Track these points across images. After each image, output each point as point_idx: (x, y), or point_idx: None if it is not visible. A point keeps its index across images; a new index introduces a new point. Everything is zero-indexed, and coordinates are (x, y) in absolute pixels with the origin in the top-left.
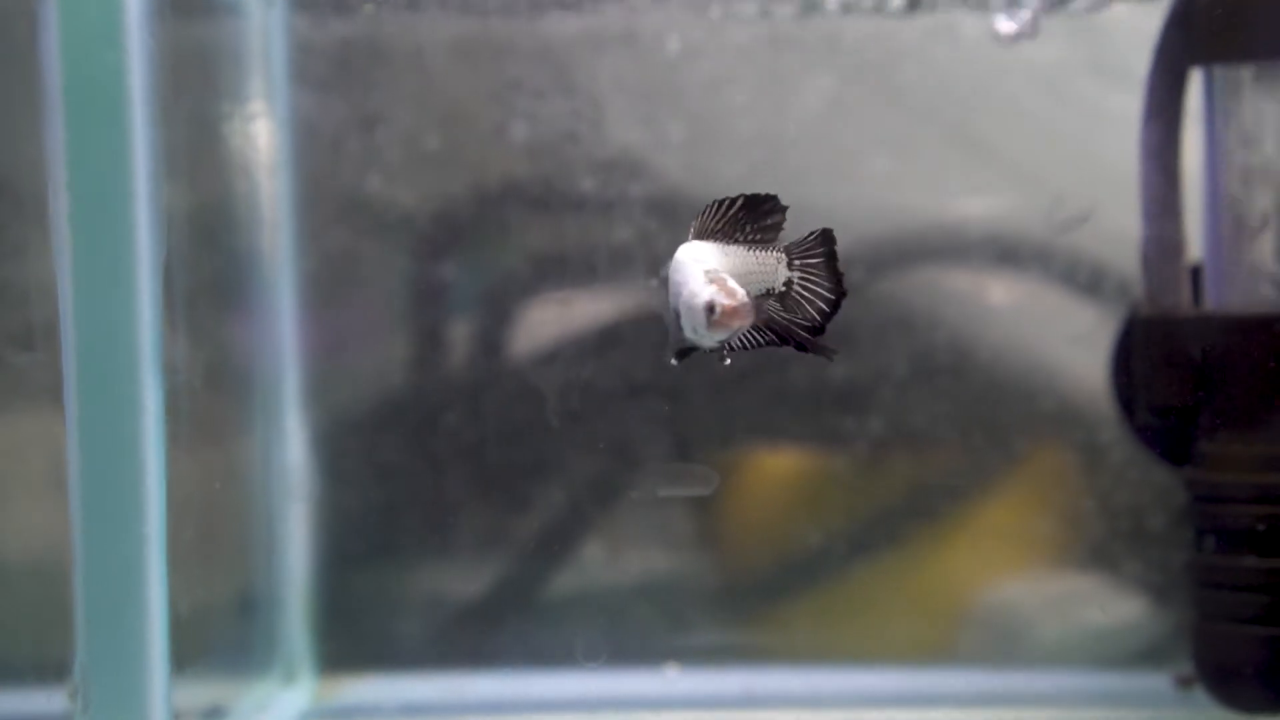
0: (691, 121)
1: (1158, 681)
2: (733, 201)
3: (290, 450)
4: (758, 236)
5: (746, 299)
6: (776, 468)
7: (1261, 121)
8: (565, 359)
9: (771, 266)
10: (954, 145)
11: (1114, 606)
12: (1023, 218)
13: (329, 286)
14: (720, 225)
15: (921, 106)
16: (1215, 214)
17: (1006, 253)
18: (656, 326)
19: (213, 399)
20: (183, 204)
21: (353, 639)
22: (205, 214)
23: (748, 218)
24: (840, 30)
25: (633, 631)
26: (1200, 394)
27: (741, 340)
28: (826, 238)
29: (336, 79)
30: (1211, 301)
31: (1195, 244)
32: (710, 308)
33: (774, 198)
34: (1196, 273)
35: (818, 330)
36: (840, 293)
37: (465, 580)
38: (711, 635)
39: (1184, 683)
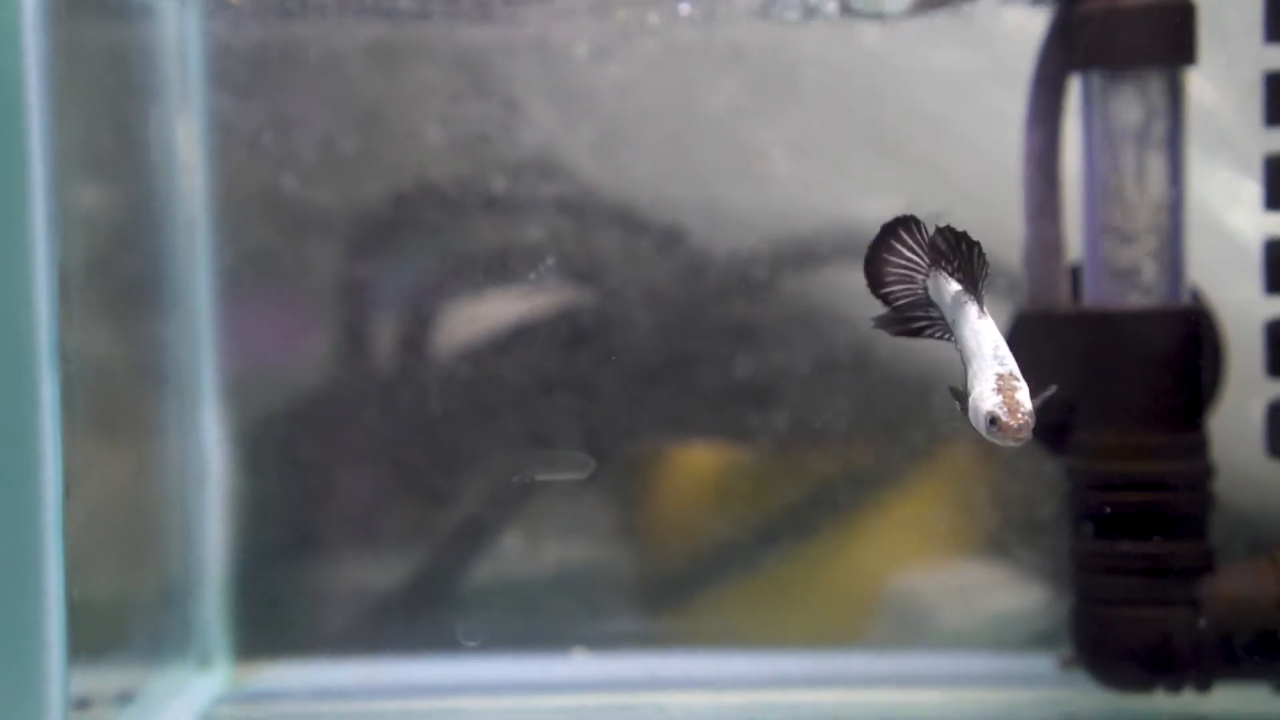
0: (602, 124)
1: (1045, 663)
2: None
3: (208, 444)
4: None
5: (1029, 417)
6: (689, 462)
7: (1133, 127)
8: (480, 356)
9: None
10: (855, 147)
11: (1012, 593)
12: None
13: (247, 284)
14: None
15: (824, 110)
16: (1092, 216)
17: None
18: (567, 324)
19: (129, 394)
20: (98, 203)
21: (269, 627)
22: (121, 213)
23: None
24: (743, 37)
25: (545, 619)
26: (1078, 386)
27: None
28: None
29: (254, 81)
30: (1089, 299)
31: (1075, 244)
32: (992, 420)
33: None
34: (1076, 272)
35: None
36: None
37: (382, 571)
38: (621, 623)
39: (1066, 663)
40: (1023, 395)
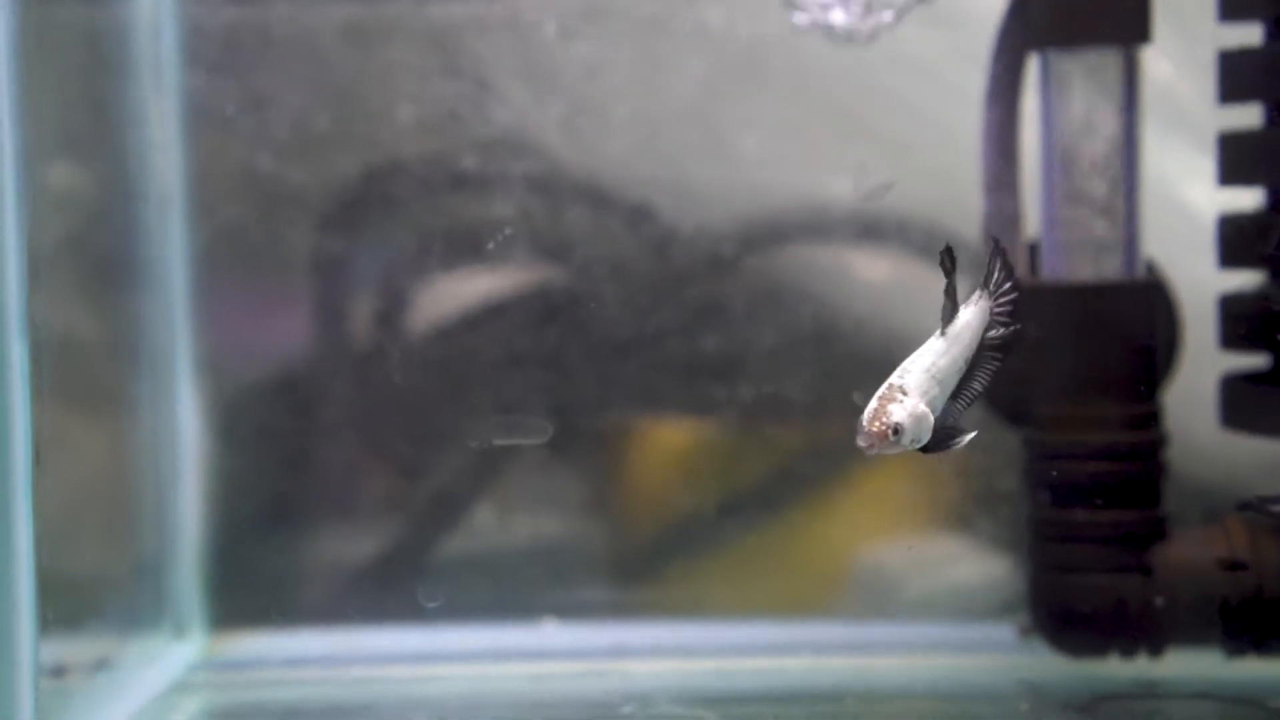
0: (571, 102)
1: (1006, 631)
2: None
3: (183, 418)
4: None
5: (883, 428)
6: (658, 436)
7: (1089, 105)
8: (452, 331)
9: (986, 315)
10: (822, 126)
11: (974, 564)
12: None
13: (221, 261)
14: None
15: (790, 90)
16: (1050, 191)
17: (869, 228)
18: (538, 300)
19: (105, 369)
20: (72, 180)
21: (244, 597)
22: (96, 190)
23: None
24: (709, 17)
25: (516, 589)
26: (1035, 358)
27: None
28: (1002, 253)
29: (227, 61)
30: (1046, 272)
31: (1034, 218)
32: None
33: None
34: (1034, 246)
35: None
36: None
37: (356, 543)
38: (590, 593)
39: (1025, 631)
40: (895, 408)
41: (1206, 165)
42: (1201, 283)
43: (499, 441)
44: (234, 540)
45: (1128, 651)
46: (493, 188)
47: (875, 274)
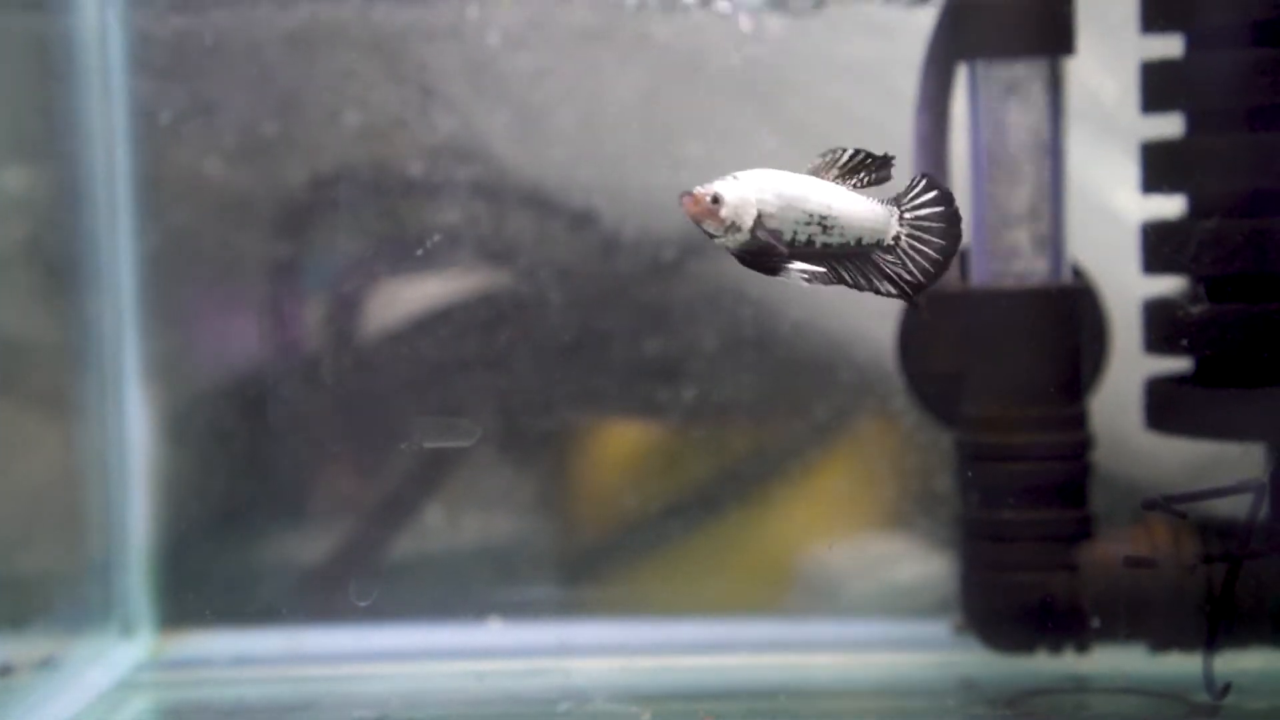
0: (516, 109)
1: (942, 628)
2: (848, 154)
3: (133, 421)
4: (869, 181)
5: (698, 199)
6: (602, 437)
7: (1015, 114)
8: (400, 334)
9: (884, 219)
10: (764, 130)
11: (912, 563)
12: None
13: (171, 266)
14: (836, 175)
15: (731, 96)
16: (978, 198)
17: None
18: (484, 304)
19: (54, 373)
20: (21, 186)
21: (193, 598)
22: (45, 196)
23: (862, 173)
24: (650, 26)
25: (463, 588)
26: (965, 361)
27: (849, 278)
28: (937, 188)
29: (175, 68)
30: (976, 278)
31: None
32: (686, 193)
33: (887, 158)
34: (964, 252)
35: (916, 288)
36: (950, 254)
37: (304, 543)
38: (536, 591)
39: (959, 628)
40: (722, 183)
41: (1133, 172)
42: (1128, 287)
43: (429, 444)
44: (183, 541)
45: (1055, 647)
46: (439, 193)
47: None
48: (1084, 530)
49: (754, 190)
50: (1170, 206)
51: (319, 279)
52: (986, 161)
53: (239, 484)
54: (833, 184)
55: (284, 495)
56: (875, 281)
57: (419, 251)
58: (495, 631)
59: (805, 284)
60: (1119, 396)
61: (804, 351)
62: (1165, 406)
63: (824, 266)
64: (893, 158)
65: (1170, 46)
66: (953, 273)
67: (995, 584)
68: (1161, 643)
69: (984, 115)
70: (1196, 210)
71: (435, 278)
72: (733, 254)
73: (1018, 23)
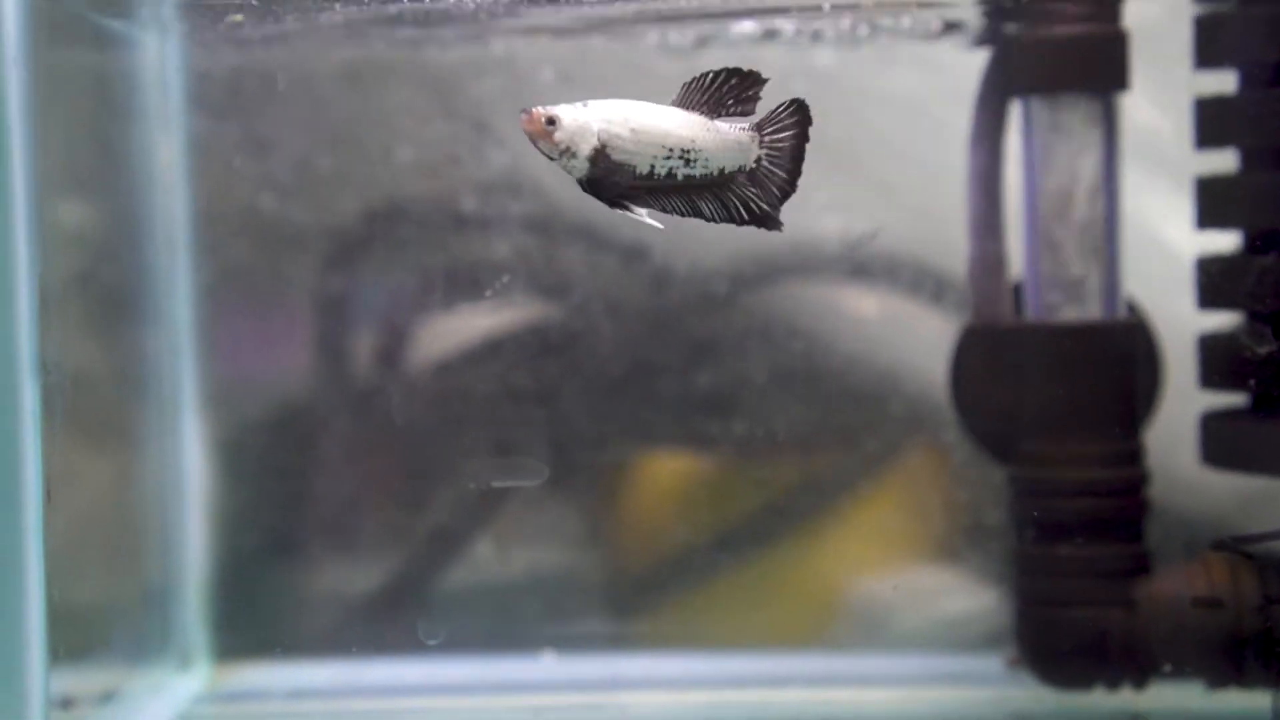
0: None
1: (994, 663)
2: (715, 75)
3: (188, 452)
4: (737, 111)
5: (536, 119)
6: (652, 470)
7: (1070, 150)
8: (451, 367)
9: (747, 145)
10: (812, 166)
11: (962, 596)
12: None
13: (226, 299)
14: (705, 99)
15: None
16: (1032, 233)
17: (858, 267)
18: (535, 337)
19: (112, 404)
20: (82, 220)
21: (248, 629)
22: (104, 230)
23: (731, 95)
24: (699, 59)
25: (515, 622)
26: (1020, 396)
27: (706, 212)
28: (799, 111)
29: (231, 104)
30: (1031, 313)
31: (1018, 261)
32: (524, 110)
33: (756, 75)
34: (1018, 287)
35: (781, 200)
36: (795, 174)
37: (357, 575)
38: (588, 625)
39: (1012, 663)
40: (564, 107)
41: (1186, 206)
42: (1180, 321)
43: (497, 483)
44: (237, 571)
45: (1112, 684)
46: (491, 228)
47: (864, 311)
48: (1141, 566)
49: (599, 120)
50: (1224, 242)
51: (371, 312)
52: (1040, 197)
53: (292, 515)
54: (696, 116)
55: (336, 526)
56: (734, 211)
57: (488, 292)
58: (549, 665)
59: (649, 221)
60: (1170, 431)
61: (854, 384)
62: (1221, 441)
63: (682, 198)
64: (761, 78)
65: (1224, 83)
66: (1007, 307)
67: (1051, 619)
68: (1220, 680)
69: (1038, 151)
70: (1252, 246)
71: (487, 311)
72: (578, 182)
73: (1072, 59)
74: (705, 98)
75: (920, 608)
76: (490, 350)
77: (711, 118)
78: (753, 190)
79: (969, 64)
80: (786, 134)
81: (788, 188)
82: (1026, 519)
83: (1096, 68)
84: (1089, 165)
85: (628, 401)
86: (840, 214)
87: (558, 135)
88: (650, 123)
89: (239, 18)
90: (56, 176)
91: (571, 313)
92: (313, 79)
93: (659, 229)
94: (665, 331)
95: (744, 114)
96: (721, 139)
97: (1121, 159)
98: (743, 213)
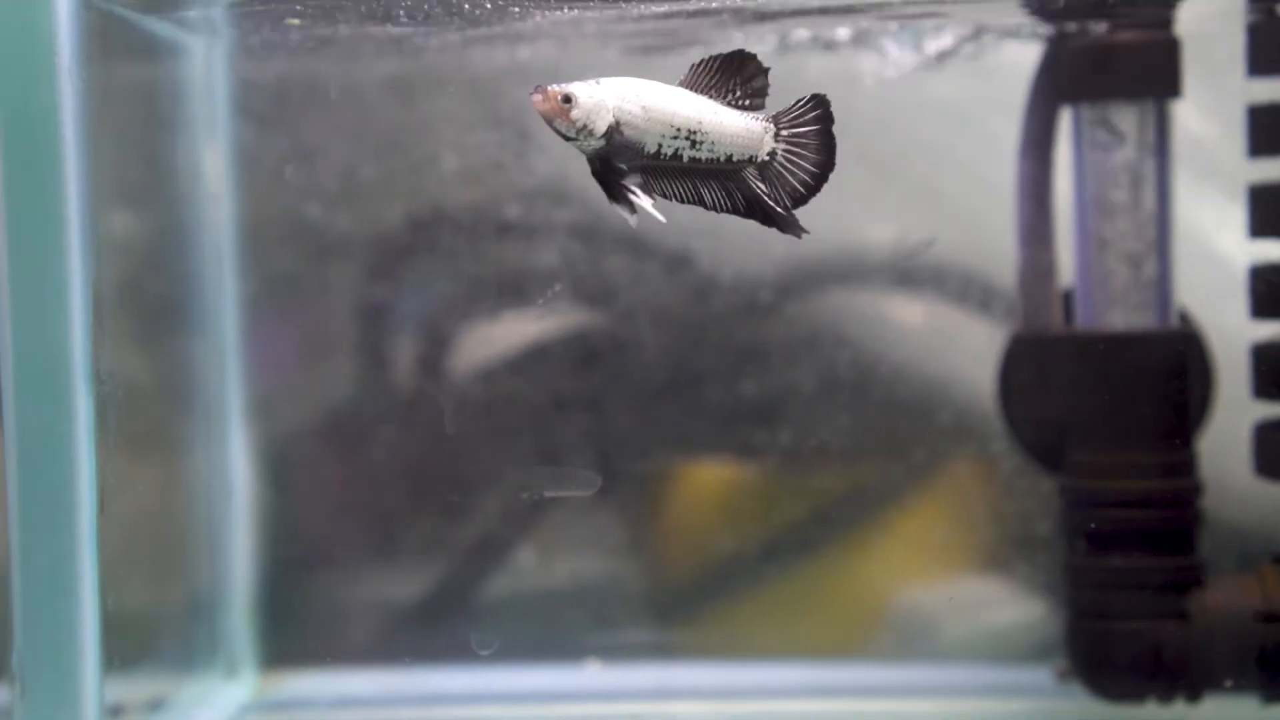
0: None
1: (1043, 674)
2: (717, 58)
3: (234, 461)
4: (745, 102)
5: (553, 97)
6: (697, 479)
7: (1121, 157)
8: (495, 375)
9: (758, 135)
10: (858, 174)
11: (1010, 607)
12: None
13: (271, 307)
14: (711, 82)
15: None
16: (1083, 241)
17: (905, 275)
18: (579, 345)
19: (160, 414)
20: (130, 230)
21: (295, 637)
22: (152, 239)
23: (735, 80)
24: None
25: (559, 630)
26: (1070, 406)
27: (708, 200)
28: (820, 105)
29: (277, 113)
30: (1081, 322)
31: (1068, 269)
32: (538, 88)
33: (756, 60)
34: (1069, 296)
35: (797, 203)
36: (828, 166)
37: (401, 583)
38: (633, 634)
39: (1063, 675)
40: (580, 85)
41: (1239, 214)
42: (1236, 331)
43: (550, 493)
44: (283, 580)
45: (1165, 696)
46: (536, 235)
47: (911, 319)
48: (1194, 578)
49: (613, 97)
50: (1277, 251)
51: (415, 320)
52: (1091, 206)
53: (336, 522)
54: (704, 99)
55: (379, 534)
56: (738, 203)
57: (540, 301)
58: (594, 674)
59: (652, 210)
60: (1222, 441)
61: (902, 394)
62: (1275, 452)
63: (686, 183)
64: (764, 66)
65: (1277, 90)
66: (1057, 316)
67: (1103, 632)
68: (1276, 693)
69: (1089, 159)
70: None
71: (531, 318)
72: (589, 161)
73: (1123, 66)
74: (712, 80)
75: (968, 618)
76: (534, 358)
77: (720, 102)
78: (764, 187)
79: (1013, 70)
80: (807, 130)
81: (812, 186)
82: (1077, 530)
83: (1148, 75)
84: (1140, 173)
85: (673, 410)
86: (887, 221)
87: (575, 113)
88: (660, 101)
89: (296, 21)
90: (107, 187)
91: (616, 320)
92: (358, 87)
93: (662, 221)
94: (710, 340)
95: (754, 106)
96: (730, 124)
97: (1173, 166)
98: (752, 207)
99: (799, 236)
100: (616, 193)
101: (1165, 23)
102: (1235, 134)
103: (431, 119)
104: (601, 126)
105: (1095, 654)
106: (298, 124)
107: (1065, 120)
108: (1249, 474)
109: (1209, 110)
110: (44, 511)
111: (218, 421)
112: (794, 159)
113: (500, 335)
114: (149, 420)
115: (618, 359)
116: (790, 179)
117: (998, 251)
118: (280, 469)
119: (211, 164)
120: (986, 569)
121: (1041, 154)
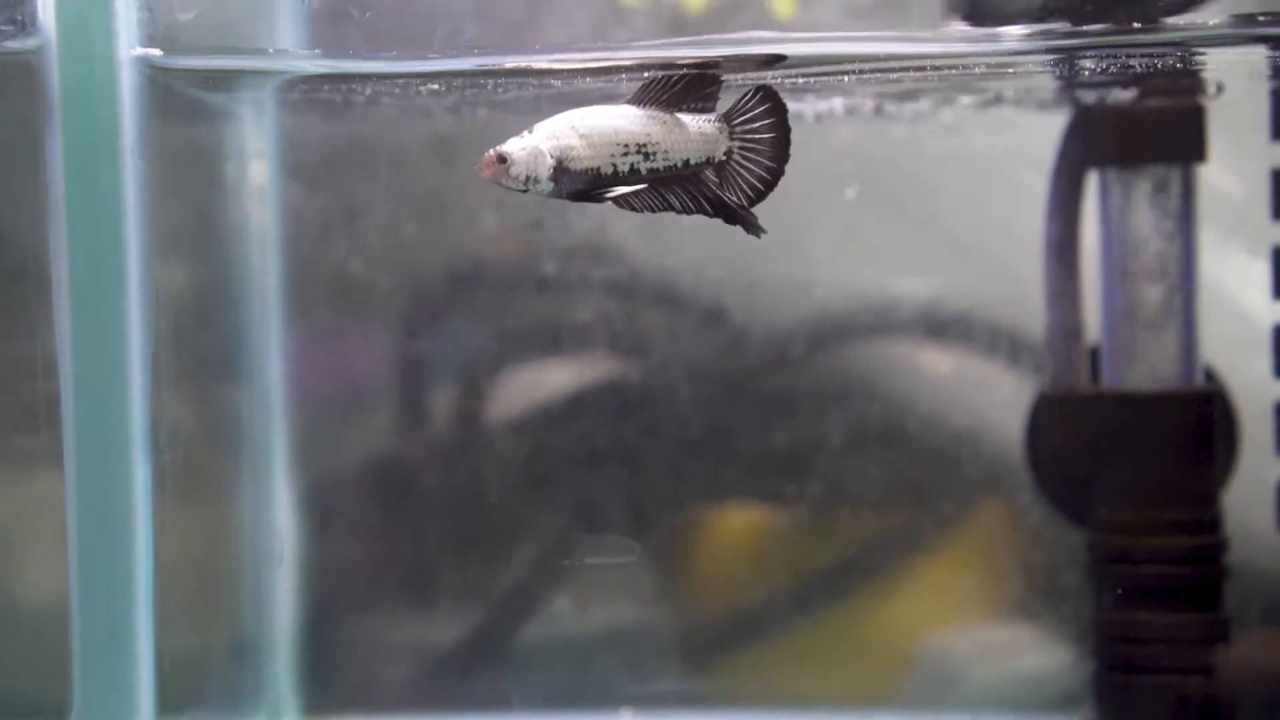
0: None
1: None
2: (671, 77)
3: (278, 509)
4: (697, 107)
5: (489, 163)
6: (729, 528)
7: (1147, 219)
8: (532, 427)
9: (712, 136)
10: (890, 228)
11: (1037, 656)
12: (949, 295)
13: (315, 360)
14: (664, 97)
15: (856, 192)
16: (1109, 301)
17: (934, 327)
18: (614, 397)
19: (207, 463)
20: (181, 285)
21: (336, 683)
22: (202, 294)
23: (688, 92)
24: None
25: (593, 678)
26: (1098, 463)
27: (677, 205)
28: (770, 97)
29: (322, 173)
30: (1108, 381)
31: (1094, 328)
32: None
33: (717, 79)
34: (1095, 354)
35: (759, 197)
36: (783, 157)
37: (441, 630)
38: (666, 683)
39: None
40: (512, 141)
41: (1263, 272)
42: (1259, 387)
43: (590, 560)
44: (325, 625)
45: None
46: (573, 291)
47: (940, 371)
48: (1220, 633)
49: (546, 140)
50: None
51: (454, 373)
52: (1118, 267)
53: (376, 570)
54: (648, 111)
55: (418, 581)
56: (704, 204)
57: (584, 372)
58: None
59: (632, 207)
60: (1246, 497)
61: (930, 444)
62: None
63: (652, 193)
64: (719, 77)
65: None
66: (1084, 374)
67: (1130, 685)
68: None
69: (1115, 220)
70: None
71: (567, 372)
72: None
73: (1150, 132)
74: (663, 96)
75: (995, 665)
76: (570, 410)
77: (670, 112)
78: (722, 184)
79: (1042, 125)
80: (760, 124)
81: (769, 180)
82: (1104, 585)
83: (1175, 139)
84: (1166, 234)
85: (705, 461)
86: (916, 275)
87: (514, 170)
88: (598, 124)
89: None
90: (163, 248)
91: (651, 373)
92: (402, 148)
93: (637, 214)
94: (742, 392)
95: (705, 110)
96: (681, 131)
97: (1198, 227)
98: (716, 207)
99: (759, 236)
100: (600, 200)
101: (1192, 90)
102: (1260, 194)
103: (472, 178)
104: (545, 171)
105: (1122, 706)
106: (342, 183)
107: (1092, 181)
108: (1272, 529)
109: (1235, 170)
110: (103, 568)
111: (263, 469)
112: (750, 153)
113: (537, 388)
114: (197, 469)
115: (651, 411)
116: (748, 174)
117: (1026, 303)
118: (323, 516)
119: (260, 221)
120: (1014, 617)
121: (1069, 216)
